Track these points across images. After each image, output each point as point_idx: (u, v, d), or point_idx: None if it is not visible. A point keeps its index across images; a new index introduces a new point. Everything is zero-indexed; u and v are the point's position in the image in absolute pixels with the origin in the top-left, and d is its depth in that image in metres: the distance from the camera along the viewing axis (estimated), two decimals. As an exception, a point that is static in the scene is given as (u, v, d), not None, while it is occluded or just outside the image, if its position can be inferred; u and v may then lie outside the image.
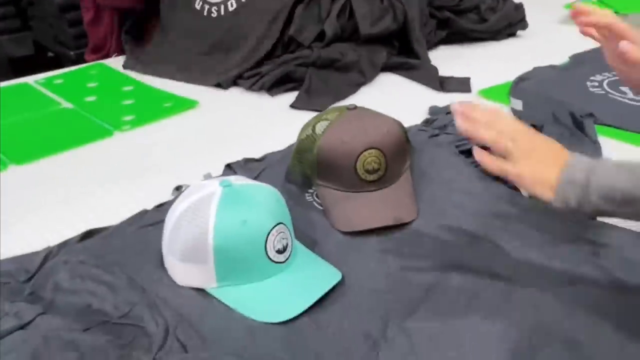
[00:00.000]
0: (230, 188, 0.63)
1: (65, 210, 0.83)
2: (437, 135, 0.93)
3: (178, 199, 0.65)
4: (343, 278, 0.63)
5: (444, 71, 1.33)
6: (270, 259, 0.61)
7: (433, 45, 1.52)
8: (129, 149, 1.03)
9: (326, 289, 0.61)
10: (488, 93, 1.20)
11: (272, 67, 1.30)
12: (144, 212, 0.77)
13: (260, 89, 1.26)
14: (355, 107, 0.82)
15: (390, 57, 1.36)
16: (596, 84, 1.23)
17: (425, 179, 0.81)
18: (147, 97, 1.25)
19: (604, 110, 1.08)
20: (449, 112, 1.05)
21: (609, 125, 1.03)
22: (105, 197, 0.87)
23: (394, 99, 1.22)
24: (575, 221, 0.70)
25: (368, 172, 0.75)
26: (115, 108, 1.18)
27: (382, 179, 0.76)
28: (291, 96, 1.23)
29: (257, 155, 0.94)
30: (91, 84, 1.31)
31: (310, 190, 0.81)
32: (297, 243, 0.66)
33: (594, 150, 0.93)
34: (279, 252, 0.62)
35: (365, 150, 0.75)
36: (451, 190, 0.79)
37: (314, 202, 0.79)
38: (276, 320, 0.57)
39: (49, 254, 0.66)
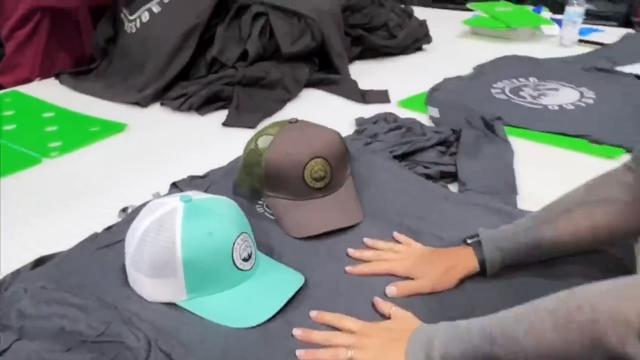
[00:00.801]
0: (191, 203, 0.65)
1: (4, 239, 0.80)
2: (370, 143, 1.00)
3: (138, 217, 0.66)
4: (306, 280, 0.67)
5: (362, 84, 1.42)
6: (237, 267, 0.64)
7: (349, 60, 1.61)
8: (61, 176, 1.01)
9: (293, 292, 0.64)
10: (407, 103, 1.30)
11: (199, 87, 1.32)
12: (94, 236, 0.76)
13: (189, 109, 1.27)
14: (297, 121, 0.86)
15: (312, 73, 1.43)
16: (499, 90, 1.37)
17: (365, 184, 0.87)
18: (72, 123, 1.22)
19: (508, 113, 1.21)
20: (375, 122, 1.13)
21: (514, 126, 1.15)
22: (44, 224, 0.84)
23: (320, 112, 1.27)
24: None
25: (315, 180, 0.80)
26: (39, 135, 1.14)
27: (328, 185, 0.81)
28: (221, 114, 1.25)
29: (194, 173, 0.95)
30: (7, 112, 1.25)
31: (260, 202, 0.84)
32: (258, 251, 0.69)
33: (506, 147, 1.04)
34: (245, 260, 0.65)
35: (311, 160, 0.79)
36: (390, 191, 0.86)
37: (265, 213, 0.82)
38: (250, 325, 0.60)
39: (2, 284, 0.64)
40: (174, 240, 0.61)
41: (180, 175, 0.94)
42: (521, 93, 1.35)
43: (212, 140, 1.15)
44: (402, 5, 1.81)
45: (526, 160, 1.01)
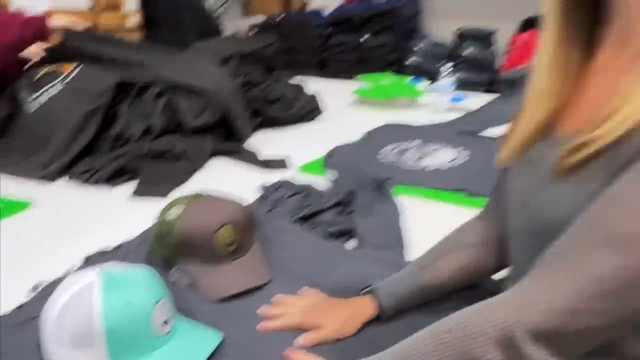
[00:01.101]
0: (109, 274, 0.69)
1: None
2: (274, 208, 1.09)
3: (55, 292, 0.69)
4: (223, 339, 0.73)
5: (264, 153, 1.53)
6: (157, 332, 0.69)
7: (250, 131, 1.72)
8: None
9: (211, 350, 0.70)
10: (307, 168, 1.42)
11: (105, 161, 1.35)
12: (6, 317, 0.77)
13: (96, 182, 1.30)
14: (203, 194, 0.94)
15: (217, 144, 1.52)
16: (385, 154, 1.53)
17: (272, 246, 0.96)
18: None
19: (395, 174, 1.36)
20: (278, 187, 1.23)
21: (401, 185, 1.30)
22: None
23: (227, 181, 1.36)
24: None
25: (225, 245, 0.87)
26: None
27: (237, 250, 0.88)
28: (130, 186, 1.30)
29: (107, 245, 0.98)
30: None
31: (174, 269, 0.89)
32: (176, 315, 0.74)
33: (395, 205, 1.17)
34: (164, 324, 0.70)
35: (220, 227, 0.87)
36: (294, 252, 0.95)
37: (180, 279, 0.87)
38: (171, 386, 0.64)
39: None
40: (94, 312, 0.65)
41: (93, 248, 0.97)
42: (405, 155, 1.52)
43: (123, 212, 1.19)
44: (299, 77, 1.97)
45: (413, 215, 1.14)
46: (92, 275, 0.69)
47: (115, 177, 1.33)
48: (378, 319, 0.78)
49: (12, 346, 0.70)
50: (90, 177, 1.32)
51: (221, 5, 4.65)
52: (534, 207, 0.59)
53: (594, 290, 0.48)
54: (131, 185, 1.31)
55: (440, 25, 3.84)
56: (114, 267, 0.72)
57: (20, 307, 0.80)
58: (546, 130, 0.61)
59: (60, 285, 0.70)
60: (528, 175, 0.62)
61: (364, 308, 0.78)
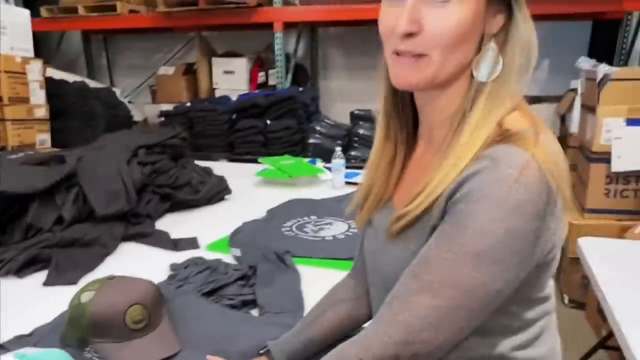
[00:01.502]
0: (25, 358, 0.78)
1: None
2: (181, 285, 1.20)
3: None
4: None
5: (174, 234, 1.64)
6: None
7: (160, 214, 1.83)
8: None
9: None
10: (214, 247, 1.54)
11: (16, 252, 1.40)
12: None
13: (7, 274, 1.34)
14: (114, 277, 1.04)
15: (128, 229, 1.61)
16: (287, 228, 1.70)
17: (180, 320, 1.06)
18: None
19: (296, 246, 1.52)
20: (187, 266, 1.34)
21: (300, 257, 1.45)
22: None
23: (138, 262, 1.45)
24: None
25: (135, 322, 0.97)
26: None
27: (147, 326, 0.99)
28: (41, 275, 1.35)
29: (20, 333, 1.04)
30: None
31: (87, 349, 0.97)
32: None
33: (295, 274, 1.32)
34: None
35: (130, 307, 0.97)
36: (201, 323, 1.06)
37: (94, 358, 0.96)
38: None
39: None
40: None
41: (5, 336, 1.02)
42: (305, 229, 1.69)
43: (34, 300, 1.24)
44: (203, 165, 2.12)
45: (310, 282, 1.29)
46: (10, 358, 0.77)
47: (25, 268, 1.38)
48: None
49: None
50: (1, 269, 1.36)
51: (130, 94, 4.78)
52: (379, 265, 0.77)
53: (417, 325, 0.65)
54: (42, 274, 1.36)
55: (336, 107, 4.21)
56: (31, 350, 0.81)
57: None
58: (385, 202, 0.80)
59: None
60: (374, 238, 0.80)
61: None
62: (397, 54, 0.69)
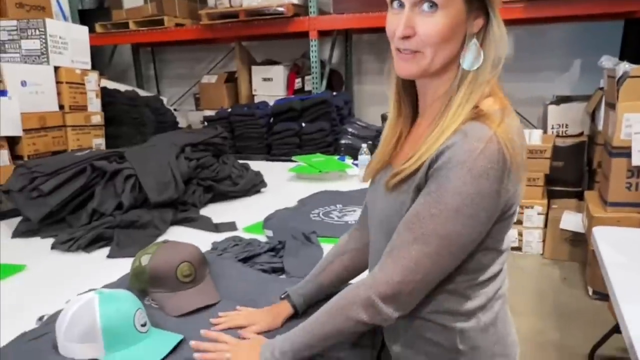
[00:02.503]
0: (103, 293, 1.00)
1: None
2: (221, 254, 1.42)
3: (64, 309, 0.99)
4: (184, 338, 1.03)
5: (215, 220, 1.86)
6: (138, 331, 0.99)
7: (203, 204, 2.06)
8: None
9: (175, 343, 1.00)
10: (249, 229, 1.76)
11: (84, 232, 1.65)
12: (23, 334, 1.06)
13: (77, 249, 1.60)
14: (167, 241, 1.26)
15: (176, 214, 1.85)
16: (315, 214, 1.90)
17: (220, 278, 1.27)
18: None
19: (321, 228, 1.71)
20: (225, 244, 1.56)
21: (326, 237, 1.65)
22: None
23: (184, 241, 1.67)
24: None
25: (184, 276, 1.19)
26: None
27: (193, 280, 1.20)
28: (105, 250, 1.60)
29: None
30: None
31: (147, 298, 1.20)
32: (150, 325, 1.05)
33: (319, 249, 1.52)
34: (142, 325, 1.00)
35: (181, 263, 1.19)
36: (236, 281, 1.27)
37: (152, 304, 1.18)
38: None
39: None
40: (95, 316, 0.95)
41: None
42: (330, 215, 1.89)
43: (100, 269, 1.48)
44: (242, 162, 2.35)
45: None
46: (92, 294, 1.00)
47: (92, 244, 1.63)
48: (295, 315, 1.10)
49: (34, 351, 0.98)
50: (72, 246, 1.61)
51: (175, 102, 5.11)
52: (377, 212, 0.96)
53: (412, 268, 0.84)
54: (105, 250, 1.61)
55: (370, 110, 4.40)
56: (106, 290, 1.03)
57: (32, 330, 1.08)
58: (387, 164, 0.99)
59: (68, 303, 1.01)
60: (375, 191, 0.99)
61: (284, 308, 1.11)
62: (399, 50, 0.88)
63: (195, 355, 0.95)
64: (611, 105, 2.83)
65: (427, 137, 0.87)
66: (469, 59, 0.87)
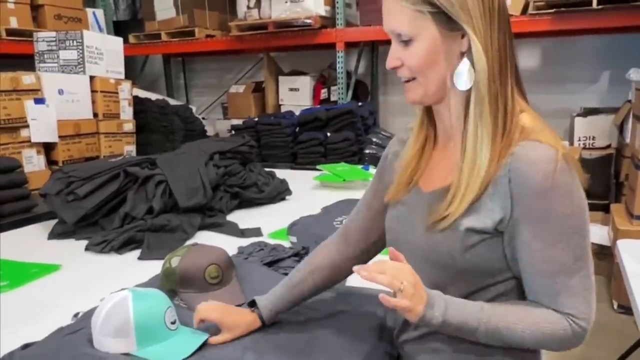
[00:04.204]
0: (135, 292, 1.06)
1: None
2: (247, 258, 1.47)
3: (99, 306, 1.05)
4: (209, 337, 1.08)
5: (242, 225, 1.92)
6: (168, 328, 1.04)
7: (230, 210, 2.12)
8: (15, 303, 1.34)
9: (202, 341, 1.05)
10: (274, 235, 1.81)
11: (116, 234, 1.73)
12: (60, 329, 1.12)
13: (110, 251, 1.67)
14: (196, 244, 1.32)
15: (204, 220, 1.91)
16: (338, 222, 1.93)
17: (246, 280, 1.32)
18: (14, 268, 1.55)
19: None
20: (250, 249, 1.61)
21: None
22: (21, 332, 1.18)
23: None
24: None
25: (212, 278, 1.24)
26: None
27: (221, 282, 1.26)
28: (136, 252, 1.67)
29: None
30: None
31: (176, 298, 1.25)
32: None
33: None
34: (172, 323, 1.05)
35: (209, 266, 1.24)
36: (261, 284, 1.31)
37: (181, 304, 1.23)
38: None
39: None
40: (128, 313, 1.01)
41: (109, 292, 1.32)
42: (354, 223, 1.92)
43: (131, 270, 1.55)
44: (268, 170, 2.41)
45: (354, 263, 1.52)
46: (125, 292, 1.05)
47: (124, 247, 1.70)
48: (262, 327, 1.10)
49: (71, 344, 1.04)
50: (104, 248, 1.69)
51: (204, 110, 5.22)
52: (412, 240, 0.94)
53: (585, 294, 0.85)
54: (136, 252, 1.68)
55: (395, 121, 4.43)
56: (138, 288, 1.09)
57: (70, 325, 1.15)
58: (414, 185, 0.98)
59: (103, 300, 1.06)
60: (405, 215, 0.97)
61: (253, 320, 1.10)
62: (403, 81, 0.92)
63: (355, 268, 0.84)
64: (639, 118, 2.80)
65: (461, 168, 0.87)
66: (460, 79, 0.86)
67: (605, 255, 3.21)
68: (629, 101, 3.38)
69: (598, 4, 2.91)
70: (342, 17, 3.69)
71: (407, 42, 0.87)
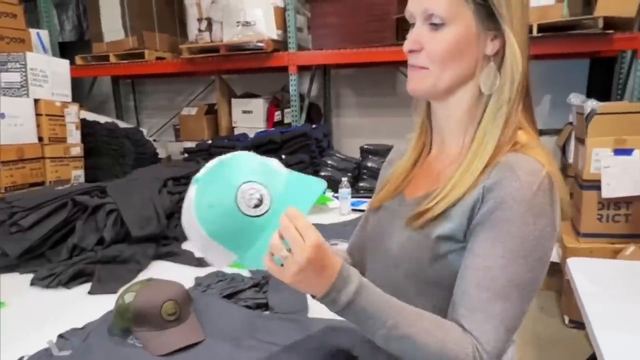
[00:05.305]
0: (199, 181, 0.76)
1: None
2: (205, 291, 1.42)
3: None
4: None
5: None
6: (250, 215, 0.72)
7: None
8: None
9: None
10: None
11: (64, 267, 1.64)
12: None
13: (57, 285, 1.58)
14: (152, 279, 1.27)
15: (158, 249, 1.84)
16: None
17: (204, 315, 1.28)
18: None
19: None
20: (209, 277, 1.56)
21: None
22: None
23: (167, 276, 1.66)
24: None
25: (169, 315, 1.19)
26: None
27: (178, 319, 1.21)
28: (86, 286, 1.59)
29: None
30: None
31: (130, 337, 1.20)
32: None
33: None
34: (256, 206, 0.73)
35: (165, 302, 1.19)
36: (221, 318, 1.28)
37: (135, 343, 1.18)
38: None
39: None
40: (195, 223, 0.74)
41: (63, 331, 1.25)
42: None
43: (81, 306, 1.47)
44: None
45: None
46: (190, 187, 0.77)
47: (72, 280, 1.62)
48: None
49: None
50: (52, 282, 1.60)
51: (155, 133, 5.11)
52: (389, 246, 0.89)
53: (501, 330, 0.75)
54: (86, 286, 1.60)
55: (348, 142, 4.47)
56: (206, 170, 0.76)
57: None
58: (398, 193, 0.95)
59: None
60: (385, 221, 0.93)
61: None
62: (410, 66, 0.84)
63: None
64: (581, 140, 2.94)
65: (457, 170, 0.82)
66: (486, 82, 0.82)
67: (555, 271, 3.32)
68: (570, 123, 3.54)
69: (538, 32, 3.07)
70: (294, 40, 3.71)
71: (437, 26, 0.80)
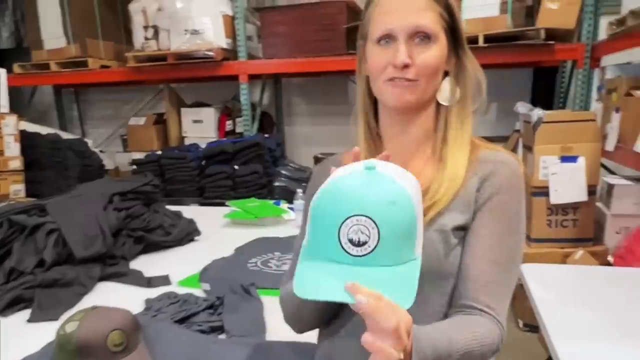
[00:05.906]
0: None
1: None
2: (156, 315, 1.34)
3: None
4: None
5: (148, 273, 1.78)
6: (347, 249, 0.68)
7: (134, 255, 1.97)
8: None
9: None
10: (185, 282, 1.69)
11: (1, 293, 1.52)
12: None
13: (-8, 314, 1.46)
14: (96, 307, 1.18)
15: (105, 269, 1.74)
16: (253, 264, 1.85)
17: (155, 343, 1.20)
18: None
19: (260, 279, 1.67)
20: (160, 300, 1.48)
21: (264, 288, 1.61)
22: None
23: (114, 299, 1.58)
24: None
25: (115, 345, 1.11)
26: None
27: (126, 349, 1.13)
28: (25, 313, 1.47)
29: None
30: None
31: (74, 370, 1.11)
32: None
33: (259, 303, 1.47)
34: (355, 244, 0.67)
35: (111, 332, 1.11)
36: (173, 345, 1.21)
37: (79, 377, 1.09)
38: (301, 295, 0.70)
39: None
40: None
41: (-3, 366, 1.14)
42: (269, 264, 1.85)
43: (19, 335, 1.36)
44: (175, 209, 2.28)
45: (273, 309, 1.44)
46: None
47: (9, 307, 1.50)
48: None
49: None
50: (-14, 310, 1.48)
51: (101, 143, 4.92)
52: None
53: (508, 294, 0.90)
54: (26, 313, 1.48)
55: (301, 151, 4.44)
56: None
57: None
58: None
59: None
60: None
61: None
62: (392, 80, 0.90)
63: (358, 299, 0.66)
64: (528, 148, 3.01)
65: (442, 168, 0.93)
66: (447, 94, 0.95)
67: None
68: (517, 131, 3.64)
69: (484, 42, 3.15)
70: (244, 49, 3.65)
71: (427, 42, 0.89)
